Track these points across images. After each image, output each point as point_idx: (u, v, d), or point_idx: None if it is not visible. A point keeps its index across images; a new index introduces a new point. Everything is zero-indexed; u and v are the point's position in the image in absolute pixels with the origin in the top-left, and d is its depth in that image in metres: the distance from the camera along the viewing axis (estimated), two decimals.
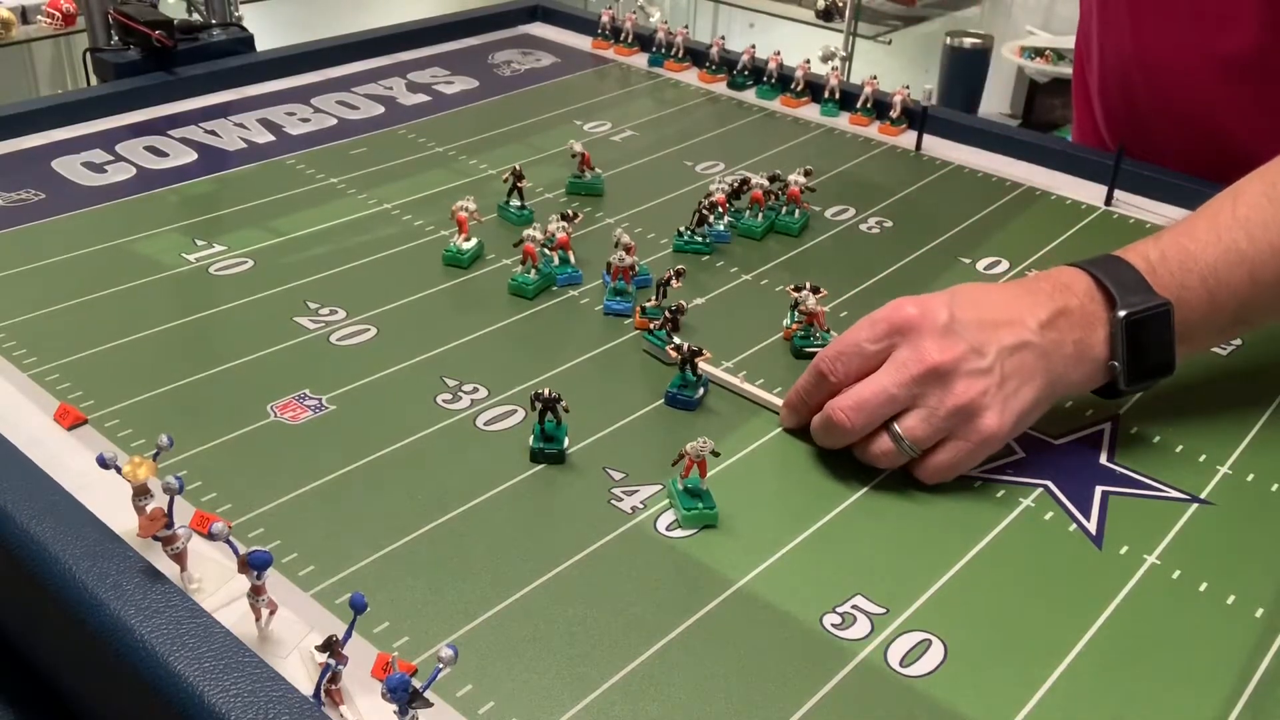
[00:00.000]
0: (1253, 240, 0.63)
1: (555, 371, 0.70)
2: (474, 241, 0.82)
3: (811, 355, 0.72)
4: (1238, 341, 0.75)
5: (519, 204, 0.87)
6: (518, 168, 0.87)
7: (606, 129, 1.05)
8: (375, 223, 0.87)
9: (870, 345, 0.61)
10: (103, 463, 0.50)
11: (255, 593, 0.48)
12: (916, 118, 1.04)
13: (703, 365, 0.67)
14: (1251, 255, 0.63)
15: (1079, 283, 0.63)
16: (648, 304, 0.74)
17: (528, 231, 0.78)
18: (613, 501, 0.59)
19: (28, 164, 0.94)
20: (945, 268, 0.84)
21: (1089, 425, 0.67)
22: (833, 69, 1.11)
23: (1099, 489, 0.62)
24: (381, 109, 1.08)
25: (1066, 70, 2.68)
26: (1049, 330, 0.61)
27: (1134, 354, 0.62)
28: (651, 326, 0.72)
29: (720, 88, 1.16)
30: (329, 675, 0.45)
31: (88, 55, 1.11)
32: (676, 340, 0.69)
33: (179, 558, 0.51)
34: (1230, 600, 0.55)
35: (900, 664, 0.50)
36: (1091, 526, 0.59)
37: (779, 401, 0.67)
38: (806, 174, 0.89)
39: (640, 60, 1.23)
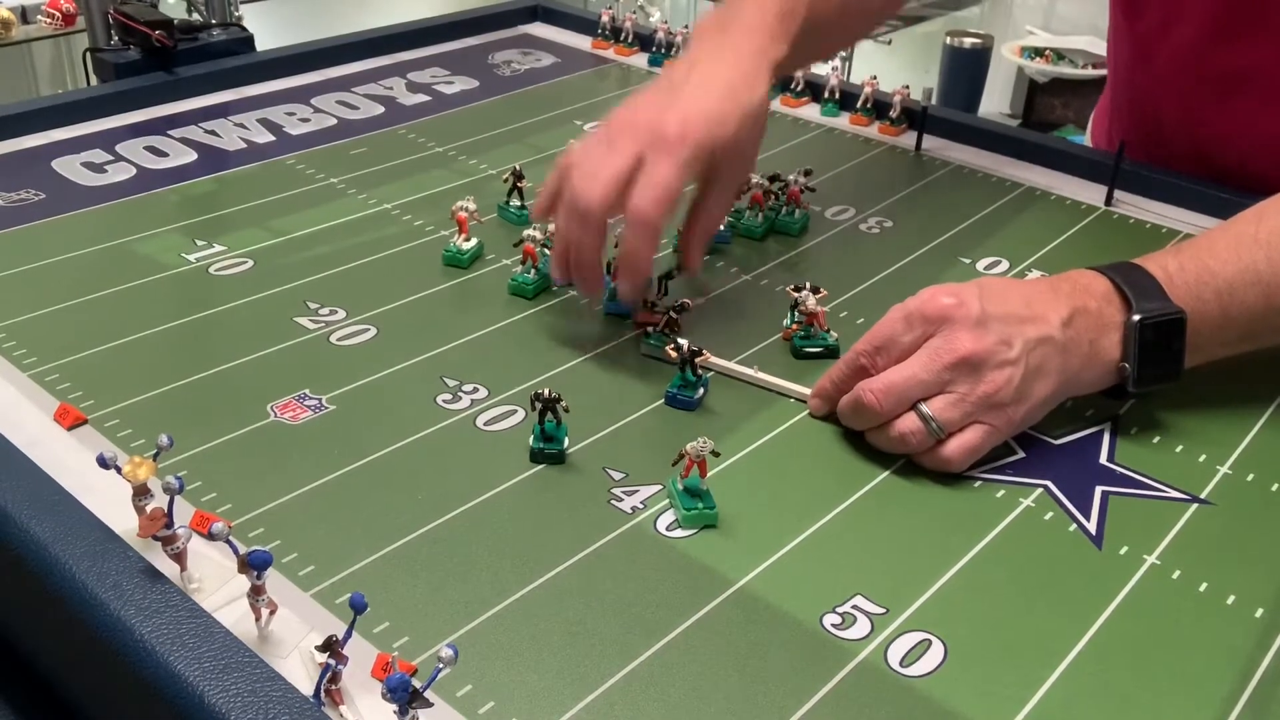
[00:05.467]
0: (1271, 263, 0.65)
1: (555, 371, 0.70)
2: (474, 241, 0.82)
3: (811, 355, 0.72)
4: None
5: (519, 204, 0.87)
6: (518, 168, 0.87)
7: None
8: (375, 223, 0.87)
9: (906, 337, 0.62)
10: (103, 463, 0.50)
11: (255, 593, 0.48)
12: (916, 118, 1.04)
13: (715, 360, 0.67)
14: (1269, 278, 0.65)
15: (1098, 285, 0.65)
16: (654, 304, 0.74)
17: (528, 231, 0.78)
18: (613, 501, 0.59)
19: (28, 164, 0.94)
20: (945, 268, 0.84)
21: (1089, 425, 0.67)
22: (833, 69, 1.11)
23: (1099, 489, 0.62)
24: (381, 109, 1.08)
25: (1067, 70, 2.68)
26: (1068, 328, 0.62)
27: (1144, 357, 0.63)
28: (649, 329, 0.72)
29: None
30: (329, 675, 0.45)
31: (88, 55, 1.11)
32: (678, 340, 0.69)
33: (179, 558, 0.51)
34: (1230, 600, 0.55)
35: (900, 664, 0.50)
36: (1091, 526, 0.59)
37: (794, 387, 0.68)
38: (806, 174, 0.89)
39: (640, 60, 1.22)
